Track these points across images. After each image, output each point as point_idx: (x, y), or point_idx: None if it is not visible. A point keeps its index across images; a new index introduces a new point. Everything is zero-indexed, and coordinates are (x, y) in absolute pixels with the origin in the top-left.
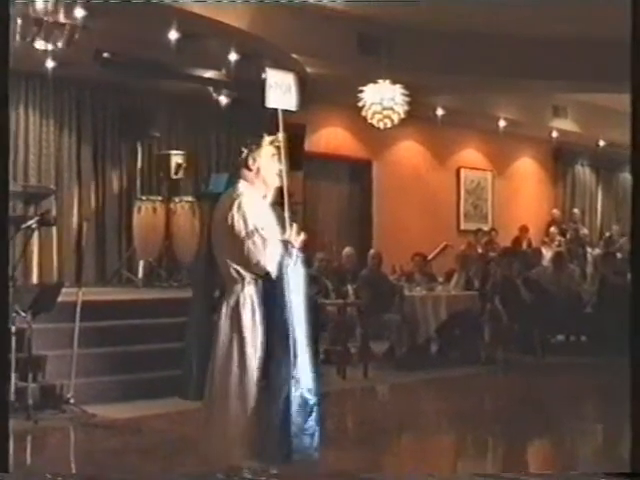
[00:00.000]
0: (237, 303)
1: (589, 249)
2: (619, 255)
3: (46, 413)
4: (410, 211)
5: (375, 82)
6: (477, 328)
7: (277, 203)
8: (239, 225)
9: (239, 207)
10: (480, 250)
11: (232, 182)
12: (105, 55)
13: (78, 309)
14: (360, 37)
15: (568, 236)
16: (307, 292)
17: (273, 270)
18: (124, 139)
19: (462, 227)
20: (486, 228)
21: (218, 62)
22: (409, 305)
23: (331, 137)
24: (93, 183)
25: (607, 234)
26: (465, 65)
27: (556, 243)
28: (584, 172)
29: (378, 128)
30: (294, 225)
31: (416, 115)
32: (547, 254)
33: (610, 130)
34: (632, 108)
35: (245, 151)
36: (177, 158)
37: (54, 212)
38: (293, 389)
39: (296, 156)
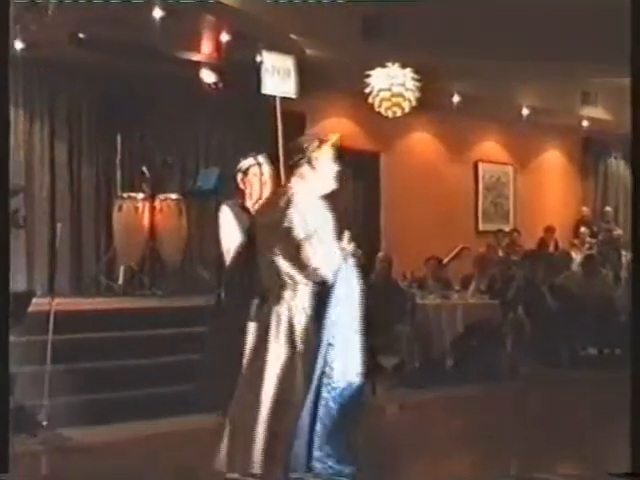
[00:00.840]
0: (289, 310)
1: (624, 252)
2: None
3: (15, 438)
4: (422, 210)
5: (383, 66)
6: (498, 340)
7: None
8: (298, 226)
9: (297, 206)
10: (501, 253)
11: (222, 178)
12: (81, 36)
13: (51, 320)
14: (366, 15)
15: (600, 237)
16: (360, 303)
17: (330, 277)
18: (102, 130)
19: (481, 228)
20: (507, 229)
21: (208, 43)
22: (421, 315)
23: (334, 127)
24: (68, 179)
25: None
26: (484, 46)
27: (586, 245)
28: (617, 165)
29: (386, 117)
30: (346, 232)
31: (429, 103)
32: (576, 257)
33: None
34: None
35: (307, 148)
36: (161, 151)
37: (23, 212)
38: (345, 399)
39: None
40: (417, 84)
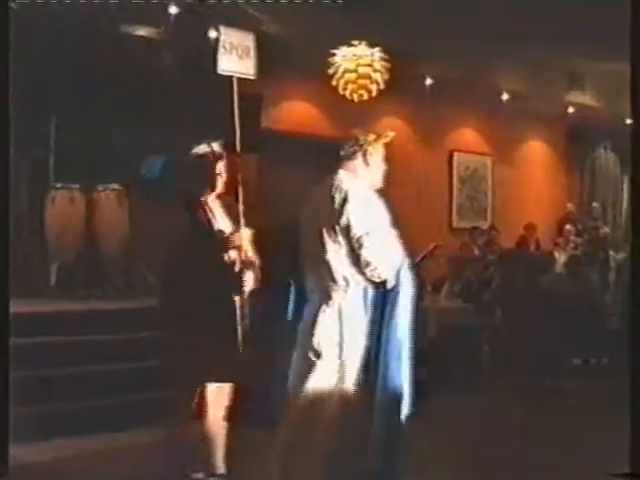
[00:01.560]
0: (339, 311)
1: (612, 252)
2: None
3: None
4: (393, 204)
5: (349, 44)
6: (473, 347)
7: (227, 194)
8: (357, 224)
9: (356, 202)
10: (477, 253)
11: (168, 166)
12: (12, 5)
13: None
14: None
15: (586, 236)
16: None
17: (391, 277)
18: (33, 112)
19: (455, 224)
20: (484, 226)
21: (155, 17)
22: None
23: (294, 112)
24: None
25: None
26: (459, 24)
27: (571, 245)
28: (607, 157)
29: (352, 101)
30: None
31: (399, 86)
32: (560, 258)
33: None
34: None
35: (363, 141)
36: (101, 135)
37: None
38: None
39: (251, 134)
40: (386, 65)
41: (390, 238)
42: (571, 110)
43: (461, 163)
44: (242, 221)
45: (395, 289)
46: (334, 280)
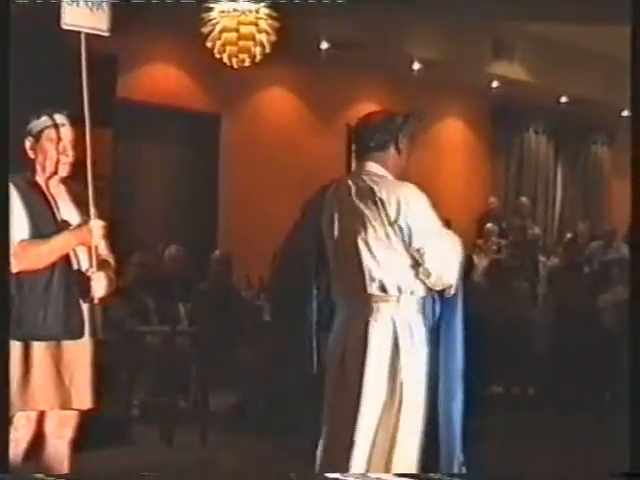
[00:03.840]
0: (393, 326)
1: (542, 257)
2: (587, 268)
3: None
4: (276, 191)
5: None
6: None
7: (73, 178)
8: (413, 226)
9: (407, 203)
10: None
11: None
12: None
13: None
14: None
15: (511, 237)
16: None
17: (454, 282)
18: None
19: None
20: None
21: None
22: (272, 336)
23: (158, 78)
24: None
25: (569, 235)
26: None
27: (494, 248)
28: (537, 142)
29: (231, 67)
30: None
31: (288, 49)
32: (480, 263)
33: (578, 80)
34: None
35: (391, 127)
36: None
37: None
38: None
39: (103, 105)
40: (274, 24)
41: (445, 233)
42: (495, 84)
43: None
44: (92, 211)
45: (455, 295)
46: (385, 291)
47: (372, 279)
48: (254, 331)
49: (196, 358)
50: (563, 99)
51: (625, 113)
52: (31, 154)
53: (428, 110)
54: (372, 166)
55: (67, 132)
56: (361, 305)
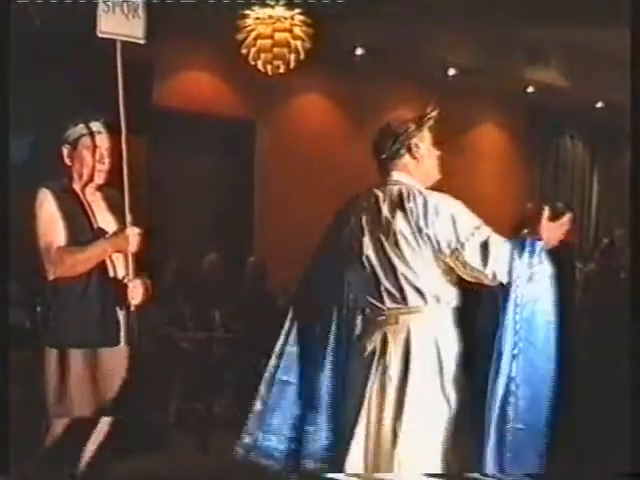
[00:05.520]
0: (433, 331)
1: (578, 263)
2: (623, 274)
3: None
4: (310, 198)
5: (263, 4)
6: None
7: (109, 185)
8: (444, 233)
9: (437, 210)
10: None
11: (39, 151)
12: None
13: None
14: None
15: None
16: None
17: (506, 278)
18: None
19: None
20: None
21: None
22: None
23: (193, 85)
24: None
25: (605, 240)
26: None
27: None
28: (574, 147)
29: (265, 74)
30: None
31: (323, 56)
32: None
33: (613, 87)
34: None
35: (401, 134)
36: None
37: None
38: None
39: (139, 113)
40: (308, 31)
41: (484, 232)
42: (531, 90)
43: None
44: (128, 218)
45: (511, 285)
46: (423, 298)
47: (406, 287)
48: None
49: (232, 363)
50: (599, 104)
51: None
52: (68, 162)
53: (463, 116)
54: (396, 175)
55: (103, 140)
56: (397, 313)
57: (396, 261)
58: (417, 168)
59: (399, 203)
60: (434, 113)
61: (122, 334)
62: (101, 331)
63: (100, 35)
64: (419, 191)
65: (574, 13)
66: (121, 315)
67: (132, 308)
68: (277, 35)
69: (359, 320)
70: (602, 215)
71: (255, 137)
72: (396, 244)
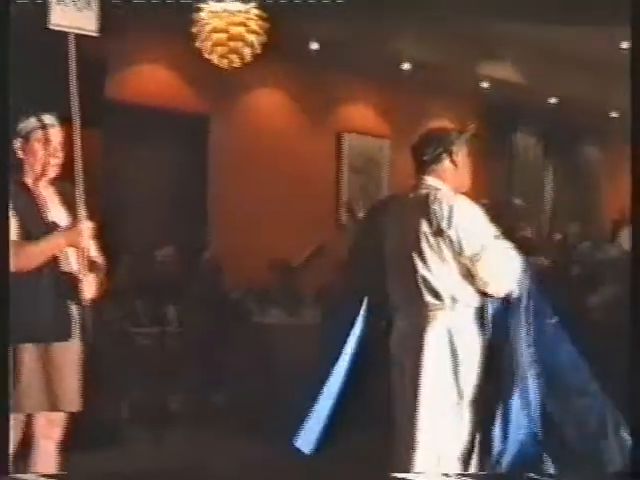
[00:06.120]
0: (449, 334)
1: (531, 258)
2: (576, 269)
3: None
4: (266, 195)
5: None
6: None
7: (62, 178)
8: (466, 238)
9: (459, 214)
10: None
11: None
12: None
13: None
14: None
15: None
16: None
17: (515, 289)
18: None
19: (345, 220)
20: None
21: None
22: (262, 338)
23: (147, 78)
24: None
25: (558, 236)
26: None
27: None
28: (527, 143)
29: (221, 68)
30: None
31: (278, 50)
32: None
33: (568, 82)
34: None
35: (445, 140)
36: None
37: None
38: None
39: (93, 106)
40: (263, 25)
41: (501, 244)
42: (486, 85)
43: (353, 146)
44: (82, 212)
45: (519, 299)
46: (439, 299)
47: (426, 288)
48: (243, 333)
49: (186, 359)
50: (552, 100)
51: (614, 114)
52: (20, 155)
53: (417, 112)
54: (429, 180)
55: (56, 133)
56: (416, 312)
57: (417, 260)
58: (454, 174)
59: (424, 205)
60: (473, 126)
61: (75, 329)
62: (54, 325)
63: (51, 27)
64: (445, 194)
65: (528, 9)
66: (74, 309)
67: (85, 302)
68: (232, 29)
69: (385, 314)
70: (556, 209)
71: (210, 131)
72: (417, 244)
